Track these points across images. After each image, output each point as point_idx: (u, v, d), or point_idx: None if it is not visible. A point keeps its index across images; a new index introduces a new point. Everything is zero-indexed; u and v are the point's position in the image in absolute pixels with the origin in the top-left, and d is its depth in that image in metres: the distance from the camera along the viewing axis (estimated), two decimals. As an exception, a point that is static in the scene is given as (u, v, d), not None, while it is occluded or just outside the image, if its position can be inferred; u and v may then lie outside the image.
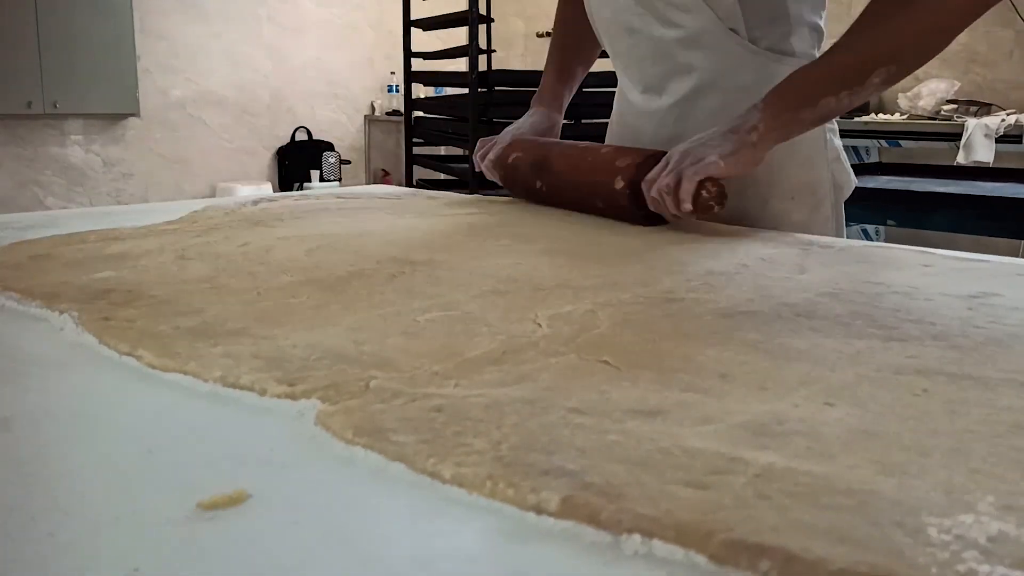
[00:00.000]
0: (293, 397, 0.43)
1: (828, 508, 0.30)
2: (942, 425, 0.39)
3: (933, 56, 0.86)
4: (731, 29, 0.98)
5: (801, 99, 0.87)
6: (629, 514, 0.30)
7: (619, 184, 0.94)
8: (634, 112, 1.11)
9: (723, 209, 0.87)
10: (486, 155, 1.17)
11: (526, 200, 1.15)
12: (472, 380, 0.45)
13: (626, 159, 0.96)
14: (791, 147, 0.95)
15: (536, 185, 1.09)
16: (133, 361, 0.49)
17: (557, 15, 1.28)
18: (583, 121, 3.09)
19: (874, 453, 0.35)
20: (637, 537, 0.30)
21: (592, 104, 2.57)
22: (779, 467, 0.34)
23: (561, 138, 1.21)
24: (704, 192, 0.85)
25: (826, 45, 0.98)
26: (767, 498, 0.31)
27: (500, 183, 1.18)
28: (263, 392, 0.44)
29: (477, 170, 1.20)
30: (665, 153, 0.92)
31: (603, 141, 1.18)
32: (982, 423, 0.39)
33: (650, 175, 0.90)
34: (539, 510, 0.32)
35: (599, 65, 1.31)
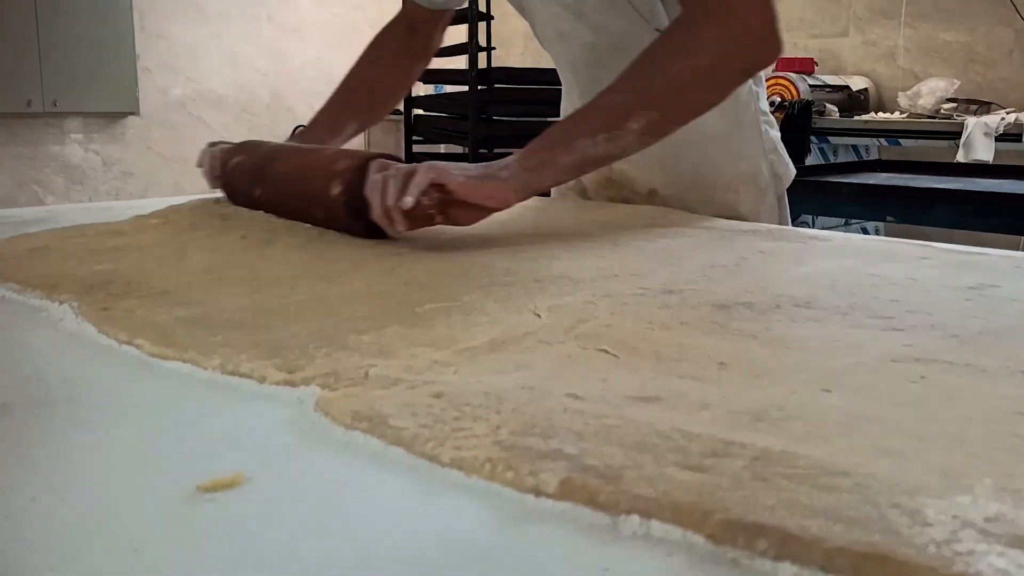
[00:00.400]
0: (292, 384, 0.43)
1: (825, 489, 0.30)
2: (939, 411, 0.39)
3: (699, 111, 0.85)
4: (656, 30, 0.97)
5: (557, 142, 0.82)
6: (627, 495, 0.30)
7: (335, 190, 0.80)
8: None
9: (442, 222, 0.78)
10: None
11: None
12: (471, 368, 0.45)
13: (345, 161, 0.83)
14: (726, 141, 0.99)
15: (255, 193, 0.94)
16: (132, 350, 0.49)
17: (355, 66, 1.21)
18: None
19: (872, 437, 0.36)
20: (635, 518, 0.30)
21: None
22: (776, 450, 0.34)
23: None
24: (425, 198, 0.74)
25: None
26: (764, 480, 0.31)
27: (222, 192, 1.03)
28: (262, 379, 0.44)
29: (205, 168, 1.04)
30: (390, 158, 0.82)
31: None
32: (979, 410, 0.39)
33: (378, 163, 0.80)
34: (538, 492, 0.32)
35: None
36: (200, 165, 1.04)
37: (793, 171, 1.11)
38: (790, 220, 1.12)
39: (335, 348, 0.48)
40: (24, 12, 4.49)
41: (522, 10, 1.10)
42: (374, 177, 0.77)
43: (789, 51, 4.14)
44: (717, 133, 1.01)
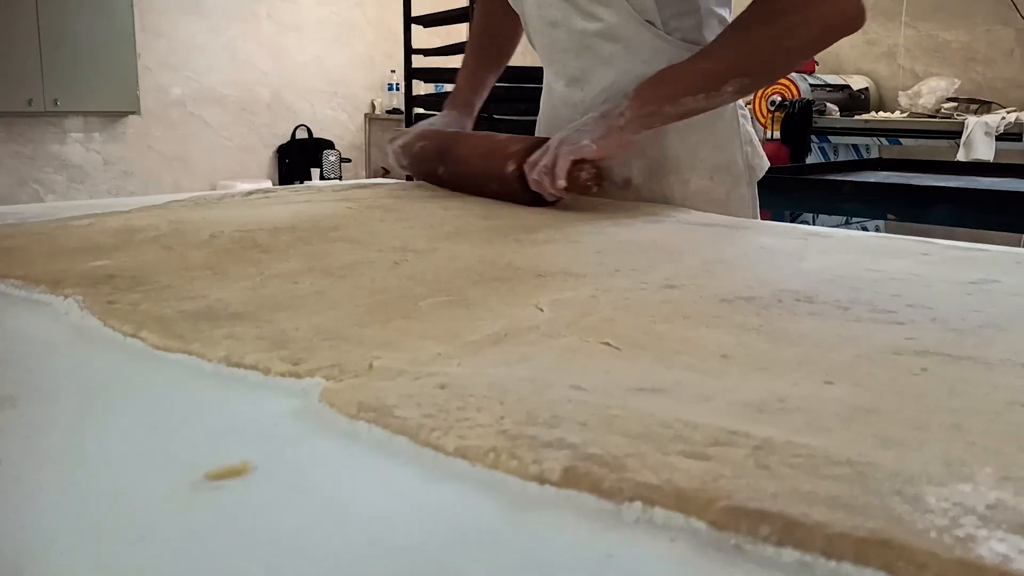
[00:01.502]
0: (297, 376, 0.43)
1: (827, 477, 0.31)
2: (941, 402, 0.39)
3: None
4: (648, 21, 1.04)
5: (664, 95, 0.95)
6: (630, 483, 0.31)
7: (510, 167, 1.00)
8: (560, 105, 1.16)
9: (600, 188, 0.97)
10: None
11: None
12: (475, 360, 0.45)
13: (517, 145, 1.02)
14: (707, 130, 1.07)
15: (438, 171, 1.15)
16: (137, 343, 0.50)
17: (475, 19, 1.35)
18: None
19: (873, 428, 0.36)
20: (638, 505, 0.30)
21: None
22: (779, 440, 0.34)
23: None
24: (582, 173, 0.93)
25: None
26: (767, 468, 0.31)
27: (406, 170, 1.23)
28: (267, 371, 0.44)
29: (391, 160, 1.24)
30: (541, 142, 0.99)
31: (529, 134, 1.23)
32: (980, 401, 0.39)
33: (532, 158, 0.97)
34: (542, 480, 0.32)
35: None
36: (388, 144, 1.21)
37: (767, 164, 1.17)
38: (759, 213, 1.18)
39: (339, 341, 0.48)
40: (25, 11, 4.49)
41: (516, 2, 1.15)
42: (533, 177, 0.96)
43: (789, 50, 4.14)
44: (700, 123, 1.06)
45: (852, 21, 0.92)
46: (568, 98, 1.13)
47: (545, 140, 0.99)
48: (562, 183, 0.92)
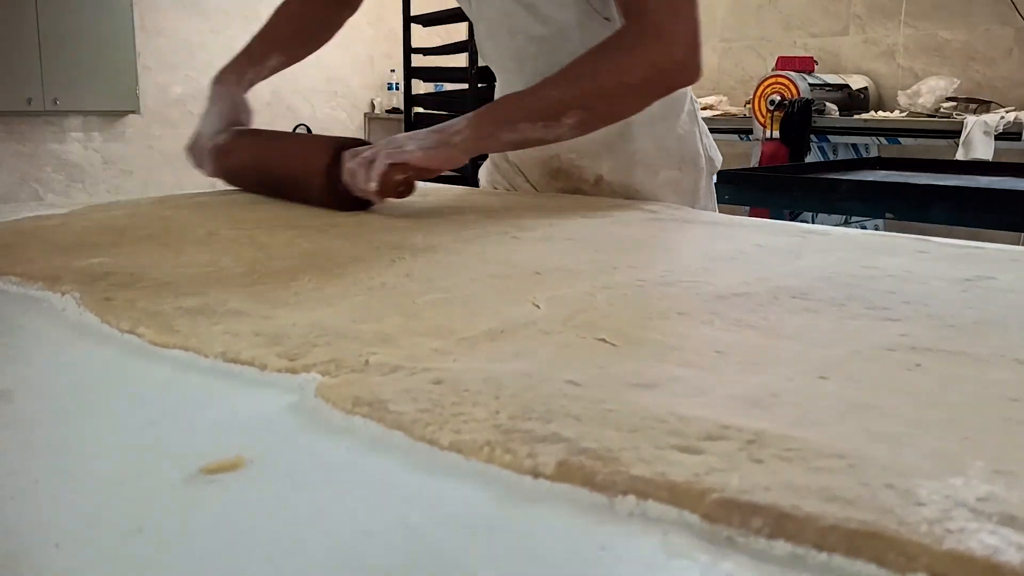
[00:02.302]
0: (293, 371, 0.43)
1: (820, 471, 0.31)
2: (934, 397, 0.39)
3: (625, 115, 0.99)
4: (606, 19, 1.04)
5: (504, 120, 0.95)
6: (623, 476, 0.31)
7: (321, 160, 0.94)
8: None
9: (408, 195, 0.94)
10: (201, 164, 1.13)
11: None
12: (470, 356, 0.45)
13: (321, 156, 0.96)
14: (667, 124, 1.10)
15: (254, 188, 1.08)
16: (134, 339, 0.50)
17: (280, 6, 1.26)
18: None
19: (866, 422, 0.36)
20: (632, 498, 0.30)
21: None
22: (772, 434, 0.34)
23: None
24: (397, 176, 0.91)
25: None
26: (760, 462, 0.32)
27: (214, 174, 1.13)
28: (263, 367, 0.44)
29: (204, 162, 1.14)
30: (366, 143, 0.96)
31: None
32: (974, 396, 0.40)
33: (352, 150, 0.94)
34: (536, 474, 0.32)
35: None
36: (194, 155, 1.13)
37: (721, 157, 1.20)
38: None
39: (336, 337, 0.48)
40: (25, 10, 4.49)
41: (469, 9, 1.15)
42: (348, 166, 0.92)
43: (789, 49, 4.16)
44: (661, 116, 1.09)
45: (684, 69, 0.94)
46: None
47: (356, 140, 0.97)
48: (374, 185, 0.90)
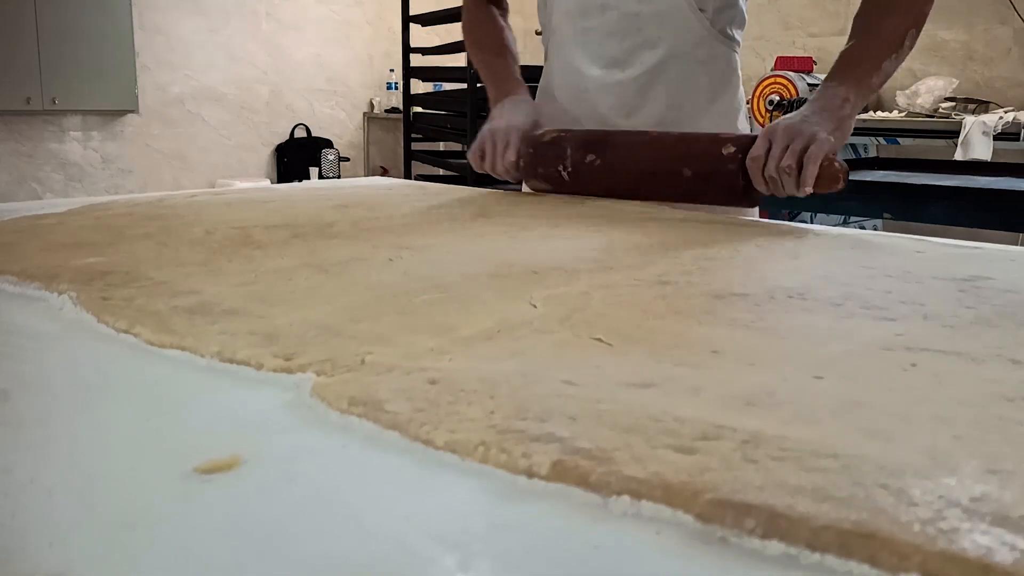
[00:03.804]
0: (289, 371, 0.43)
1: (813, 470, 0.31)
2: (929, 396, 0.39)
3: (927, 11, 1.01)
4: (700, 9, 1.12)
5: (869, 68, 0.98)
6: (618, 476, 0.31)
7: (728, 150, 0.96)
8: (591, 87, 1.18)
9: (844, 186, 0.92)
10: (488, 153, 1.16)
11: (546, 185, 1.11)
12: (466, 355, 0.45)
13: (727, 137, 0.99)
14: (716, 102, 1.15)
15: (586, 159, 1.06)
16: (131, 338, 0.50)
17: (465, 24, 1.35)
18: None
19: (861, 421, 0.36)
20: (626, 498, 0.30)
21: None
22: (766, 433, 0.34)
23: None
24: (834, 164, 0.90)
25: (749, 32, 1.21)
26: (754, 461, 0.32)
27: (521, 169, 1.14)
28: (259, 366, 0.44)
29: (479, 170, 1.19)
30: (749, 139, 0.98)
31: None
32: (968, 394, 0.40)
33: (754, 152, 0.94)
34: (530, 474, 0.32)
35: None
36: (475, 154, 1.18)
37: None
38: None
39: (332, 336, 0.48)
40: (23, 9, 4.49)
41: None
42: (768, 175, 0.93)
43: (787, 50, 4.15)
44: (712, 92, 1.15)
45: None
46: (603, 80, 1.17)
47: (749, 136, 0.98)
48: (809, 190, 0.91)
